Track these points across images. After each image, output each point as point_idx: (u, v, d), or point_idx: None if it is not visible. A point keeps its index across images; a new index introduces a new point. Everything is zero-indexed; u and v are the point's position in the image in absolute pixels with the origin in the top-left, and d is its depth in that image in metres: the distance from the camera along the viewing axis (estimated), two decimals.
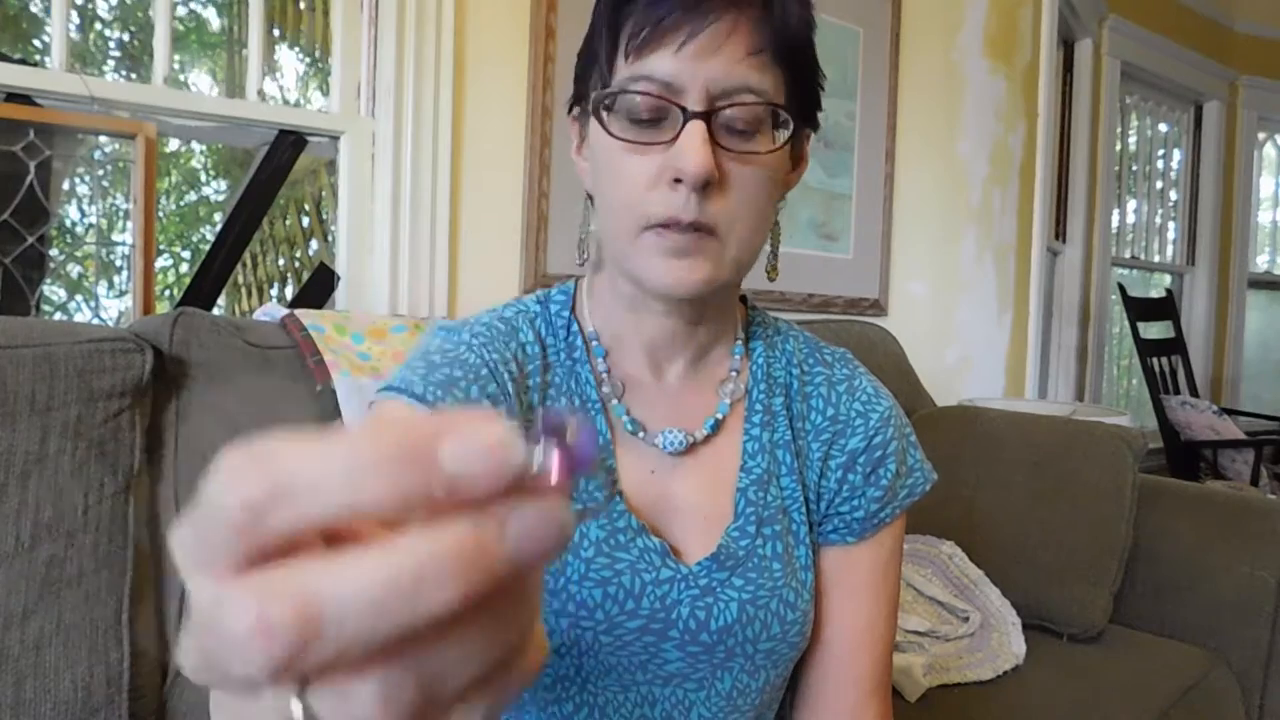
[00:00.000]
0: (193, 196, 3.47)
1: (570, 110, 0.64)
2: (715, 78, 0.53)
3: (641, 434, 0.63)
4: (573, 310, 0.67)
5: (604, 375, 0.64)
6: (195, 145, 3.11)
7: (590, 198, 0.64)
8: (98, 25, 2.49)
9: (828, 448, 0.66)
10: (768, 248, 0.65)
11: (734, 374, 0.66)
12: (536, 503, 0.19)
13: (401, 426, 0.18)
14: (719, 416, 0.64)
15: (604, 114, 0.56)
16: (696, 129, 0.53)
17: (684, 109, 0.53)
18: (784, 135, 0.57)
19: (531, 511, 0.19)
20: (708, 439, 0.64)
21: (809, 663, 0.67)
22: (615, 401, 0.63)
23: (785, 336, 0.70)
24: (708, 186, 0.54)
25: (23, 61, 1.31)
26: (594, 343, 0.65)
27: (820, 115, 0.63)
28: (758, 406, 0.66)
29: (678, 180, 0.54)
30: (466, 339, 0.62)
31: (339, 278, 1.51)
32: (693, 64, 0.53)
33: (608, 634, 0.59)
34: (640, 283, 0.58)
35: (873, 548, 0.66)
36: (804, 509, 0.65)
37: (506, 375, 0.61)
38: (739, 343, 0.68)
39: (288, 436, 0.19)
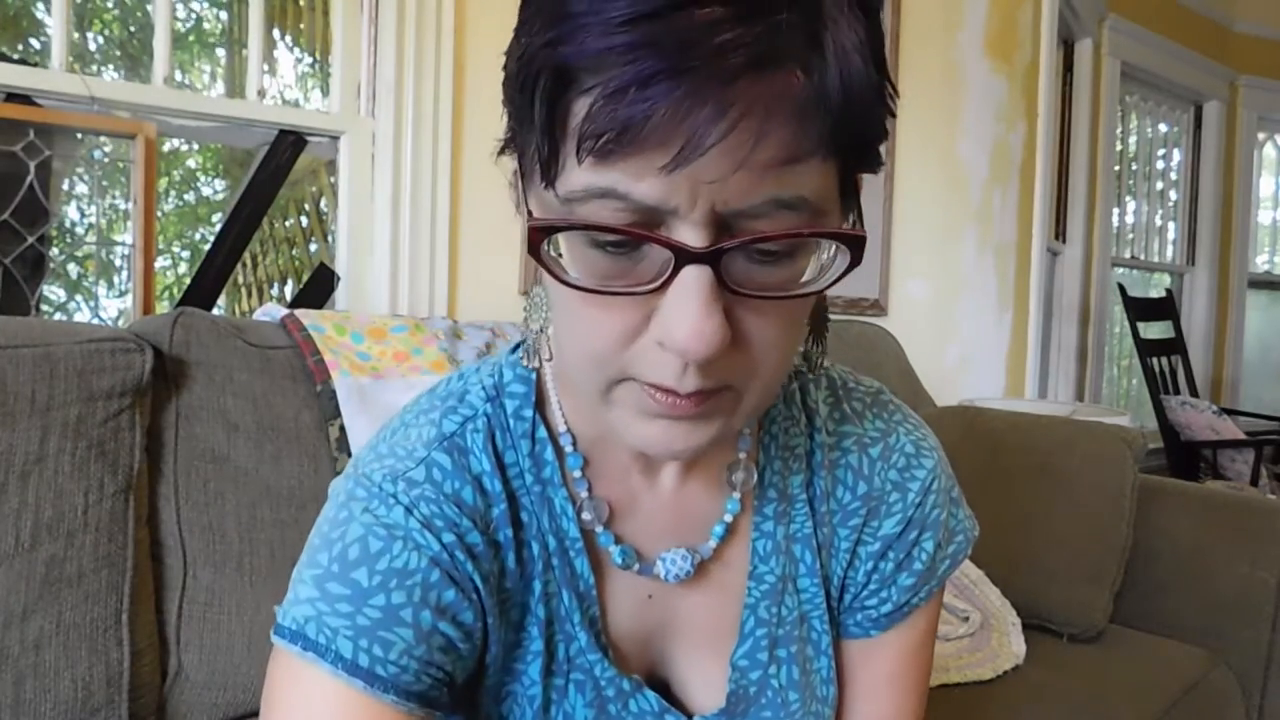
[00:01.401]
0: (193, 196, 3.47)
1: (500, 153, 0.42)
2: (729, 197, 0.33)
3: (637, 565, 0.50)
4: (536, 405, 0.49)
5: (584, 499, 0.49)
6: (194, 145, 3.12)
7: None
8: (98, 25, 2.49)
9: (858, 533, 0.53)
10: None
11: (743, 455, 0.52)
12: None
13: None
14: (728, 519, 0.51)
15: (548, 245, 0.36)
16: (696, 281, 0.34)
17: (676, 247, 0.34)
18: (840, 262, 0.37)
19: None
20: (715, 550, 0.52)
21: None
22: (601, 529, 0.49)
23: (805, 384, 0.55)
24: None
25: (23, 61, 1.31)
26: (569, 450, 0.49)
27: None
28: (771, 494, 0.53)
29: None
30: (402, 519, 0.44)
31: (339, 278, 1.51)
32: (690, 183, 0.33)
33: None
34: (616, 439, 0.43)
35: (901, 634, 0.55)
36: (825, 612, 0.54)
37: (467, 555, 0.45)
38: None
39: None
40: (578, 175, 0.34)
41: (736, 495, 0.52)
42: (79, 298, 1.82)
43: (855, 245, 0.36)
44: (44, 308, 1.27)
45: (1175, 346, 3.45)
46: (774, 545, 0.52)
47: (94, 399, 0.91)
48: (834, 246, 0.38)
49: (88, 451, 0.89)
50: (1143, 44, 3.54)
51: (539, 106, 0.34)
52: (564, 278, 0.36)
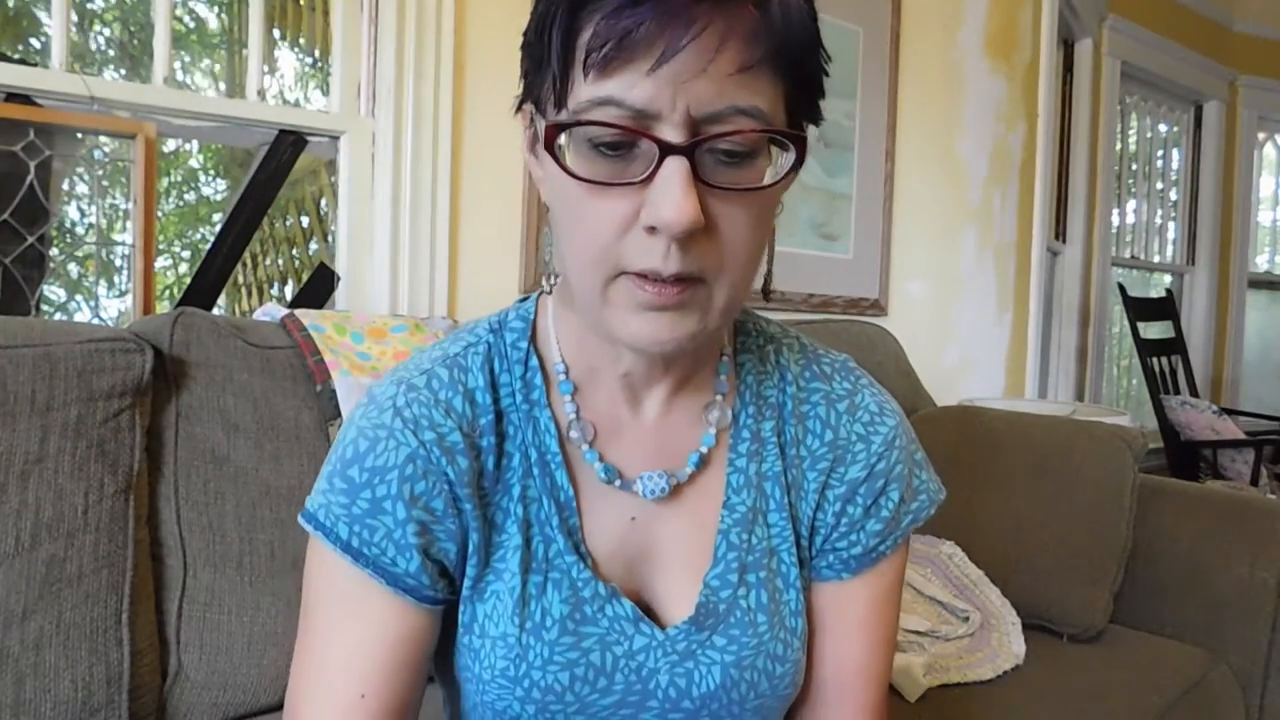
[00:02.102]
0: (193, 196, 3.47)
1: (518, 109, 0.53)
2: (700, 100, 0.43)
3: (619, 482, 0.56)
4: (532, 339, 0.58)
5: (572, 419, 0.56)
6: (195, 145, 3.12)
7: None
8: (98, 25, 2.49)
9: (825, 477, 0.59)
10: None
11: (720, 398, 0.59)
12: None
13: None
14: (703, 450, 0.58)
15: (559, 147, 0.46)
16: (677, 169, 0.43)
17: (661, 142, 0.43)
18: (786, 161, 0.48)
19: None
20: (692, 477, 0.58)
21: (800, 698, 0.62)
22: (586, 448, 0.56)
23: (779, 346, 0.62)
24: (693, 234, 0.44)
25: (23, 61, 1.31)
26: (560, 378, 0.56)
27: (822, 105, 0.52)
28: (745, 434, 0.59)
29: (655, 228, 0.44)
30: (389, 420, 0.52)
31: (339, 278, 1.51)
32: (671, 87, 0.43)
33: (580, 713, 0.55)
34: (611, 338, 0.49)
35: (869, 582, 0.61)
36: (794, 547, 0.59)
37: (443, 452, 0.52)
38: (726, 359, 0.60)
39: None
40: (583, 90, 0.44)
41: (712, 431, 0.58)
42: (79, 298, 1.82)
43: (799, 144, 0.46)
44: (44, 308, 1.27)
45: (1175, 346, 3.45)
46: (746, 479, 0.58)
47: (94, 399, 0.91)
48: (783, 156, 0.48)
49: (88, 451, 0.89)
50: (1143, 44, 3.54)
51: (555, 35, 0.44)
52: (572, 170, 0.45)
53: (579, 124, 0.44)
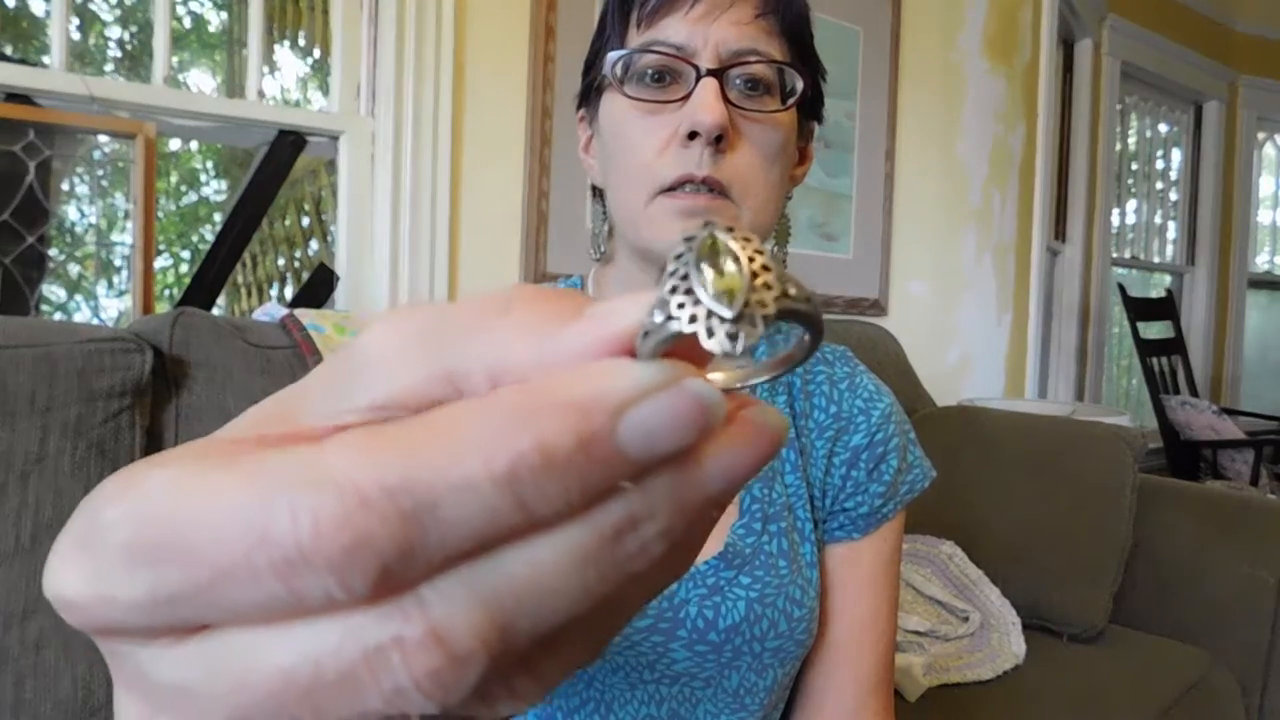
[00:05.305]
0: (193, 196, 3.47)
1: (579, 107, 0.65)
2: (725, 39, 0.55)
3: None
4: None
5: None
6: (195, 145, 3.12)
7: (598, 192, 0.64)
8: (98, 25, 2.49)
9: (831, 444, 0.67)
10: (773, 247, 0.64)
11: None
12: (738, 432, 0.15)
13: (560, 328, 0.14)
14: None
15: (617, 81, 0.58)
16: (710, 84, 0.54)
17: (697, 67, 0.55)
18: (793, 100, 0.58)
19: (736, 443, 0.15)
20: None
21: (810, 660, 0.67)
22: None
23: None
24: (720, 142, 0.54)
25: (23, 61, 1.31)
26: None
27: (823, 110, 0.64)
28: None
29: (691, 136, 0.54)
30: None
31: (339, 278, 1.51)
32: (703, 26, 0.55)
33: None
34: (650, 252, 0.57)
35: (875, 544, 0.67)
36: (808, 505, 0.66)
37: None
38: None
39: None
40: (635, 39, 0.57)
41: None
42: (79, 298, 1.82)
43: (804, 77, 0.58)
44: (44, 308, 1.27)
45: (1175, 346, 3.45)
46: None
47: (94, 399, 0.91)
48: (794, 98, 0.58)
49: (88, 451, 0.89)
50: (1143, 44, 3.54)
51: (613, 4, 0.59)
52: (629, 92, 0.57)
53: (636, 52, 0.56)
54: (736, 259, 0.15)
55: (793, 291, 0.15)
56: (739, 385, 0.16)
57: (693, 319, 0.14)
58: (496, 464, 0.13)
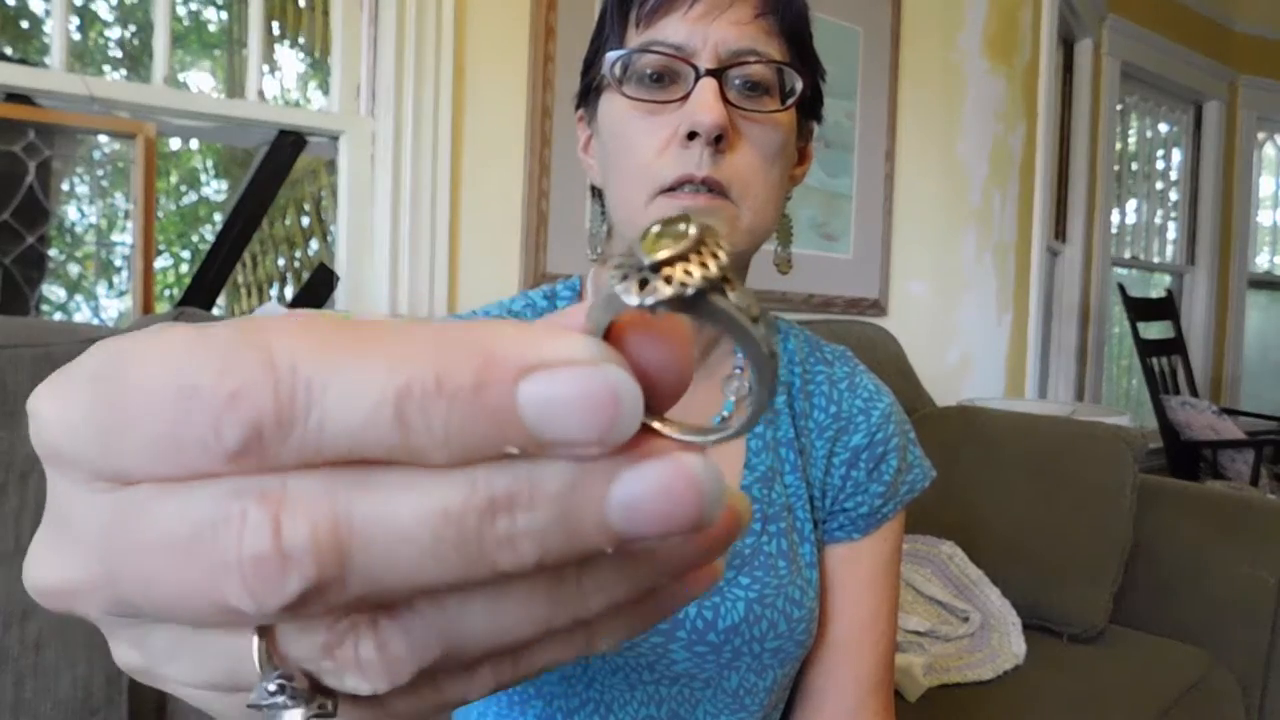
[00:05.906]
0: (193, 196, 3.47)
1: (578, 107, 0.65)
2: (725, 39, 0.55)
3: None
4: None
5: None
6: (195, 145, 3.11)
7: (597, 193, 0.64)
8: (98, 25, 2.49)
9: (831, 444, 0.66)
10: (776, 247, 0.64)
11: (738, 370, 0.66)
12: (662, 461, 0.14)
13: (461, 337, 0.14)
14: (725, 414, 0.64)
15: (616, 81, 0.57)
16: (709, 84, 0.54)
17: (696, 67, 0.55)
18: (793, 100, 0.58)
19: (654, 474, 0.14)
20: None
21: (810, 660, 0.67)
22: None
23: (786, 335, 0.70)
24: (720, 141, 0.54)
25: (23, 61, 1.31)
26: None
27: (822, 110, 0.64)
28: None
29: (690, 137, 0.54)
30: None
31: (339, 278, 1.51)
32: (703, 26, 0.55)
33: None
34: None
35: (875, 544, 0.67)
36: (808, 506, 0.65)
37: None
38: None
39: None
40: (634, 39, 0.57)
41: (733, 399, 0.65)
42: (79, 298, 1.82)
43: (804, 77, 0.58)
44: (44, 308, 1.27)
45: (1175, 346, 3.44)
46: (764, 443, 0.65)
47: None
48: (793, 99, 0.58)
49: None
50: (1143, 44, 3.54)
51: (611, 3, 0.58)
52: (628, 92, 0.56)
53: (635, 51, 0.56)
54: (686, 236, 0.15)
55: (737, 293, 0.15)
56: (692, 438, 0.15)
57: (624, 277, 0.14)
58: (396, 375, 0.13)
